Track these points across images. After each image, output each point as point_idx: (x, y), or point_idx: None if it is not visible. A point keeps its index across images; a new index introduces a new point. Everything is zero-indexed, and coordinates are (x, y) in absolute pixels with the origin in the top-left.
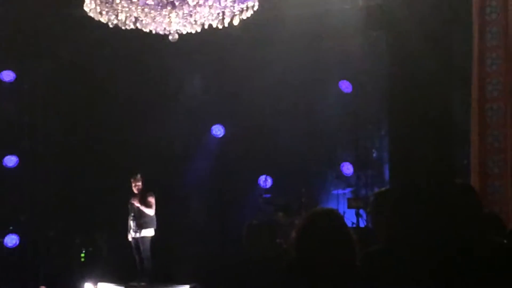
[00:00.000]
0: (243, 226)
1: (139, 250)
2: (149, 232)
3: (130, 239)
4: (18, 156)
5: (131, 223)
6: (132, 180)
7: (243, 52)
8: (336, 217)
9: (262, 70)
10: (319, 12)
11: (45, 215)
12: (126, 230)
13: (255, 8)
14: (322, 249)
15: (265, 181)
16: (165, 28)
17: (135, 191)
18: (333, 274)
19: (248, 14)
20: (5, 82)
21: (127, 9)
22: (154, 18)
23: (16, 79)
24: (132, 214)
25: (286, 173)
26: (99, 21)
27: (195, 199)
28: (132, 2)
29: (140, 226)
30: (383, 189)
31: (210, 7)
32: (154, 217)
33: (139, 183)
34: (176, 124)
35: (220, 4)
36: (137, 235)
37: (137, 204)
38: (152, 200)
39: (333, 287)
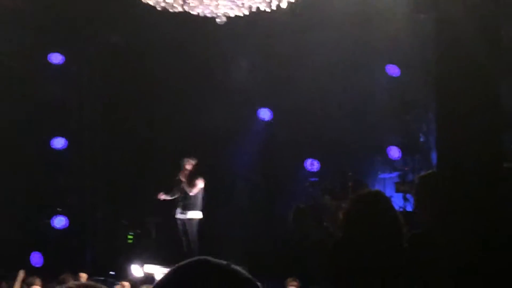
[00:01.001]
0: (290, 209)
1: (186, 232)
2: (196, 215)
3: (177, 216)
4: (66, 138)
5: (179, 204)
6: (185, 162)
7: (290, 35)
8: (383, 200)
9: (309, 54)
10: None
11: (93, 197)
12: (173, 213)
13: None
14: (369, 230)
15: (311, 164)
16: (212, 11)
17: (185, 173)
18: (380, 255)
19: None
20: (53, 65)
21: None
22: (202, 1)
23: (64, 61)
24: (179, 195)
25: (333, 156)
26: (147, 3)
27: (242, 182)
28: None
29: (186, 208)
30: (428, 171)
31: None
32: (201, 199)
33: (189, 166)
34: (223, 108)
35: None
36: (184, 216)
37: (183, 179)
38: (198, 182)
39: (380, 268)
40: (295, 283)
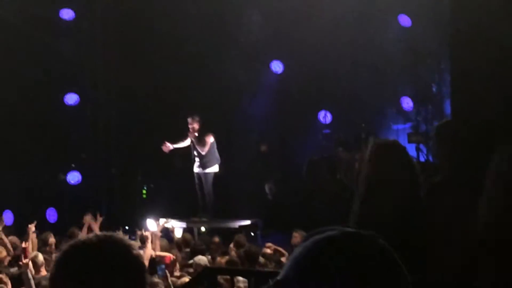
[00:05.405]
0: (303, 162)
1: (201, 185)
2: (213, 169)
3: (194, 170)
4: (79, 94)
5: (195, 159)
6: (189, 121)
7: None
8: (399, 149)
9: (320, 5)
10: None
11: (107, 152)
12: (187, 167)
13: None
14: (387, 179)
15: (324, 116)
16: None
17: (193, 133)
18: (397, 205)
19: None
20: (64, 20)
21: None
22: None
23: (75, 17)
24: (195, 153)
25: (345, 108)
26: None
27: (255, 135)
28: None
29: (203, 166)
30: (445, 120)
31: None
32: (215, 154)
33: (196, 125)
34: (235, 61)
35: None
36: (201, 170)
37: (193, 139)
38: (208, 139)
39: (398, 217)
40: (296, 234)
